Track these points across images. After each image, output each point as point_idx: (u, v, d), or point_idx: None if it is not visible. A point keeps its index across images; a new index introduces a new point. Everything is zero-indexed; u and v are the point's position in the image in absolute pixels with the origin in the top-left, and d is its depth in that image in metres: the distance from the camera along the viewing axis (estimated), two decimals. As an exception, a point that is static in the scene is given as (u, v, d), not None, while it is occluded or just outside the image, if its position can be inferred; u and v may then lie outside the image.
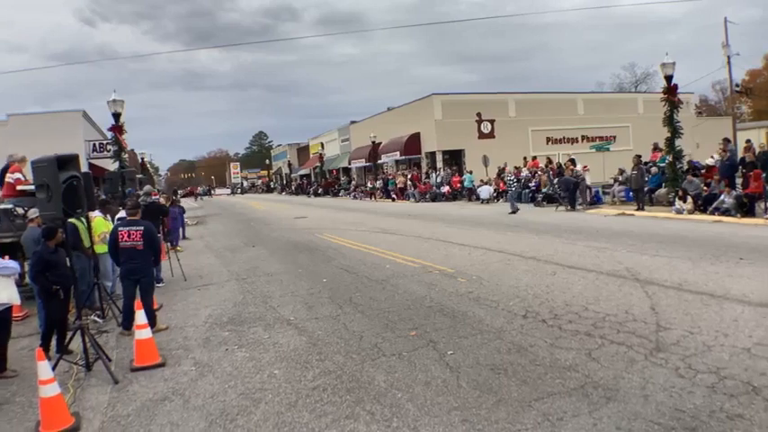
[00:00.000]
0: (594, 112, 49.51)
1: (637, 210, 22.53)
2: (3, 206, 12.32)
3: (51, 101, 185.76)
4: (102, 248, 10.74)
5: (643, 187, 23.53)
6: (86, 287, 10.19)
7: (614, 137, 45.41)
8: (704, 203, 20.20)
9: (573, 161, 27.53)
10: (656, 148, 27.09)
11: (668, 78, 23.95)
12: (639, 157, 24.17)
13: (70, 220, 9.22)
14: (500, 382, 6.15)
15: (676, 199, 21.34)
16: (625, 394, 5.57)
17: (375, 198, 47.19)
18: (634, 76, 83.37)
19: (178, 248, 18.40)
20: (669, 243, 14.08)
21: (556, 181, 28.49)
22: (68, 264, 8.35)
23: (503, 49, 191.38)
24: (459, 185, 38.54)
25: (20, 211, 12.01)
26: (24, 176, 12.16)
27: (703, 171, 23.52)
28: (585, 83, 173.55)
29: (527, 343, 7.36)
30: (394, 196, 44.10)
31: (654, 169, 25.34)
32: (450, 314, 9.00)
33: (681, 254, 12.54)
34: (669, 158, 23.64)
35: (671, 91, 23.81)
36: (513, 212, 25.29)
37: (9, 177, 12.20)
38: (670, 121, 23.64)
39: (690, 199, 20.52)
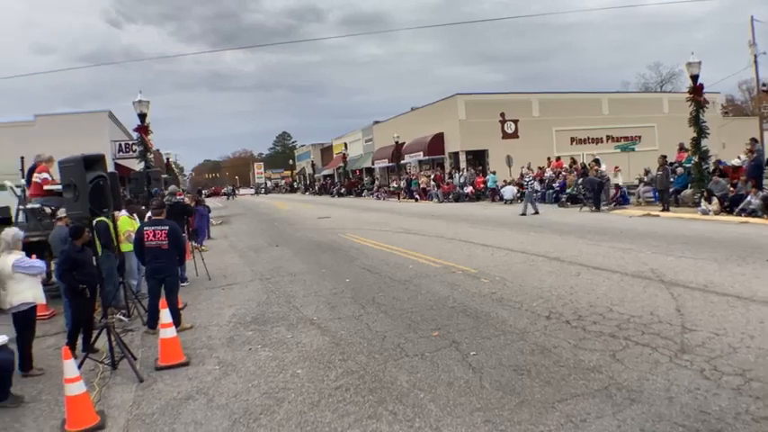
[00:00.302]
0: (619, 111, 49.07)
1: (662, 211, 22.30)
2: (30, 205, 12.49)
3: (79, 101, 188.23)
4: (127, 247, 10.86)
5: (668, 188, 23.29)
6: (113, 286, 10.30)
7: (639, 137, 44.90)
8: (731, 204, 19.95)
9: (597, 161, 27.35)
10: (681, 149, 26.80)
11: (694, 78, 23.68)
12: (665, 157, 23.93)
13: (101, 218, 9.36)
14: (523, 383, 6.13)
15: (702, 200, 21.10)
16: (649, 396, 5.52)
17: (398, 198, 47.17)
18: (659, 76, 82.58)
19: (203, 248, 18.55)
20: (695, 244, 13.93)
21: (580, 181, 28.27)
22: (95, 263, 8.45)
23: (526, 48, 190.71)
24: (482, 186, 38.40)
25: (47, 210, 12.16)
26: (51, 176, 12.30)
27: (727, 167, 23.24)
28: (610, 83, 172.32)
29: (550, 344, 7.32)
30: (417, 196, 44.07)
31: (680, 170, 25.08)
32: (473, 315, 8.98)
33: (707, 255, 12.40)
34: (695, 159, 23.39)
35: (697, 91, 23.56)
36: (526, 214, 24.80)
37: (36, 177, 12.34)
38: (696, 122, 23.39)
39: (716, 200, 20.28)
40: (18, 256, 7.78)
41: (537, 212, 24.99)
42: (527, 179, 28.14)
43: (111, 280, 10.17)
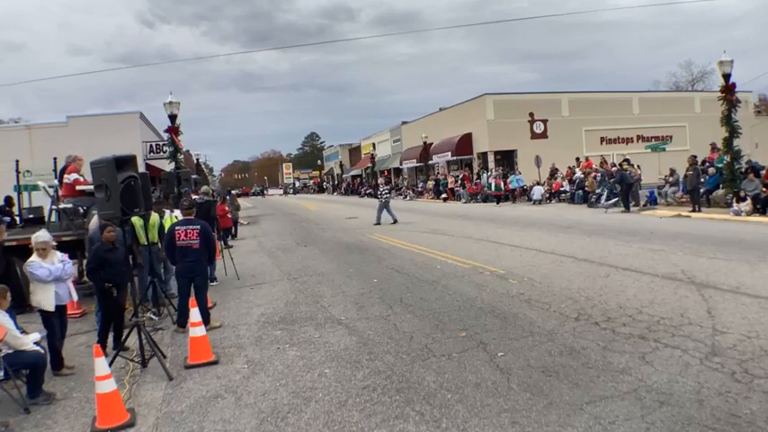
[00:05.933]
0: (650, 111, 48.42)
1: (692, 211, 21.99)
2: (63, 206, 12.66)
3: (111, 102, 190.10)
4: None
5: (698, 188, 22.93)
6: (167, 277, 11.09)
7: (671, 137, 44.30)
8: (763, 206, 19.62)
9: (628, 161, 27.08)
10: (713, 148, 26.43)
11: (726, 77, 23.39)
12: (695, 157, 23.63)
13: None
14: (551, 384, 6.08)
15: (734, 200, 20.77)
16: (679, 398, 5.45)
17: (426, 198, 47.10)
18: (690, 75, 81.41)
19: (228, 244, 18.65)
20: (726, 246, 13.73)
21: (613, 170, 27.89)
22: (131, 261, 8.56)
23: (562, 47, 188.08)
24: (508, 186, 38.22)
25: (80, 210, 12.31)
26: (83, 177, 12.38)
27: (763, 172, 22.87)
28: (643, 81, 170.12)
29: (579, 345, 7.27)
30: (445, 196, 43.96)
31: (711, 170, 24.70)
32: (501, 315, 8.94)
33: (739, 257, 12.22)
34: (727, 159, 23.04)
35: (728, 89, 23.26)
36: (378, 224, 25.26)
37: (66, 178, 12.45)
38: (728, 121, 23.12)
39: (748, 200, 19.94)
40: (33, 259, 7.76)
41: (380, 223, 25.30)
42: (381, 189, 27.92)
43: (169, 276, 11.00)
